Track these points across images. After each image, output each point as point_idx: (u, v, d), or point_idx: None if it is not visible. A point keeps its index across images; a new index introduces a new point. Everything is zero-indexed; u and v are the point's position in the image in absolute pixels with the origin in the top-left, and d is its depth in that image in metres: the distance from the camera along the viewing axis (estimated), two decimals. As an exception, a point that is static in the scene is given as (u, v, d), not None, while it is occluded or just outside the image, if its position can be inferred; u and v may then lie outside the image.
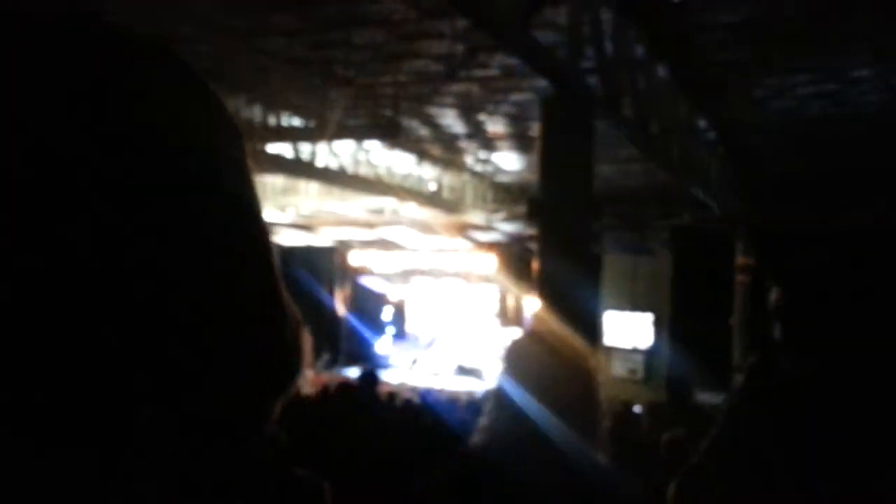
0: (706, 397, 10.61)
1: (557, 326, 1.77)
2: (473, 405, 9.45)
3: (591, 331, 9.02)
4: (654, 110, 8.71)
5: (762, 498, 1.36)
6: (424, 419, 7.23)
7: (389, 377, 17.80)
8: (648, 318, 17.38)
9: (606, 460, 1.64)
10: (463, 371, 19.35)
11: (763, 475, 1.38)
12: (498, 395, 1.62)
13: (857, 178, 12.91)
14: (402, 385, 15.47)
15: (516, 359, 1.66)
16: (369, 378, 5.32)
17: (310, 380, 14.22)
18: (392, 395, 8.93)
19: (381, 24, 8.41)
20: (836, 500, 1.32)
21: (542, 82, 7.85)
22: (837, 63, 8.70)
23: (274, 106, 11.27)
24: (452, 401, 9.87)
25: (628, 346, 17.43)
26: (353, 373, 16.81)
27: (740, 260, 15.51)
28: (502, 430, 1.58)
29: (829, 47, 8.29)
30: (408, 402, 8.51)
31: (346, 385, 5.12)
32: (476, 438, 1.63)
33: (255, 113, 11.31)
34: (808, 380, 1.44)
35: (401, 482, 4.11)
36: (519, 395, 1.56)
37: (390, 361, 20.28)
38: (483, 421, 1.65)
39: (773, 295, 1.48)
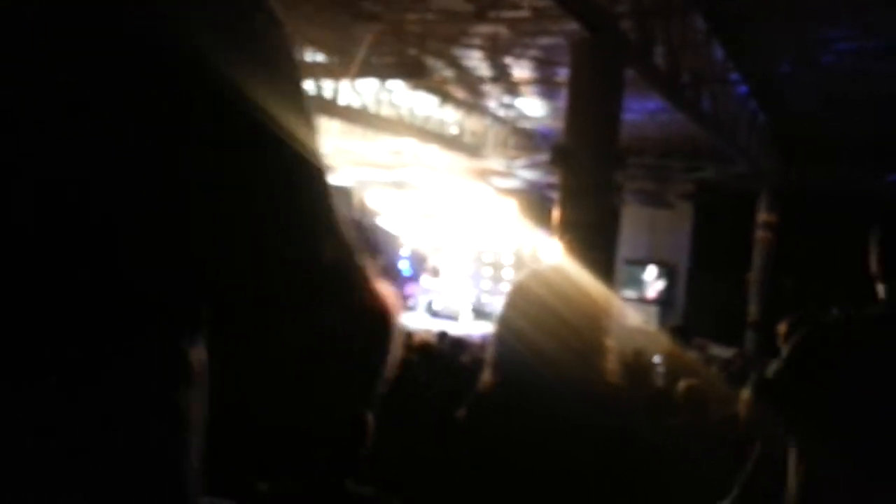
0: (719, 350, 10.61)
1: (569, 271, 1.73)
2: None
3: (608, 280, 9.03)
4: (687, 60, 8.50)
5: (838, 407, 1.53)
6: (440, 361, 7.27)
7: (406, 320, 17.93)
8: (664, 270, 17.31)
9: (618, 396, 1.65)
10: (479, 315, 19.47)
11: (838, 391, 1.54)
12: (498, 335, 1.62)
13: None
14: (417, 328, 15.59)
15: (518, 298, 1.65)
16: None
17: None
18: (409, 336, 8.98)
19: (411, -41, 8.20)
20: None
21: (573, 26, 7.64)
22: (881, 17, 8.38)
23: (298, 41, 11.08)
24: (467, 343, 9.94)
25: (643, 296, 17.42)
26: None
27: (763, 216, 15.34)
28: (507, 368, 1.58)
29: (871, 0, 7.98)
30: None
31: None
32: (484, 377, 1.63)
33: (279, 47, 11.11)
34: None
35: (422, 422, 4.14)
36: (519, 333, 1.54)
37: (406, 303, 20.41)
38: (487, 360, 1.66)
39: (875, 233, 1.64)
